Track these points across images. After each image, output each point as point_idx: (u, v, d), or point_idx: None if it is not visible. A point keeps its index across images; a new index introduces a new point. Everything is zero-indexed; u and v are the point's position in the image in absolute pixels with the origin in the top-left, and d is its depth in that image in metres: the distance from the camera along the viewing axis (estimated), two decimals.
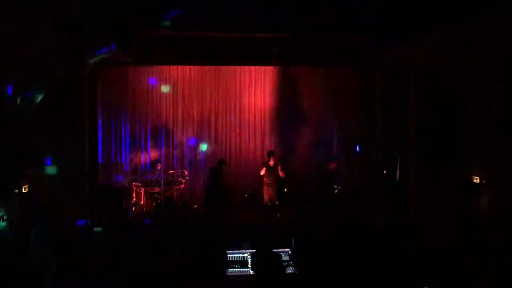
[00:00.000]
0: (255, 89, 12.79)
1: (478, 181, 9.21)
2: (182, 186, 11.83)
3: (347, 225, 9.62)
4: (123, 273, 7.10)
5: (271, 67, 12.40)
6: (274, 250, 6.68)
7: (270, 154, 10.88)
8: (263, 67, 12.50)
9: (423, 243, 8.93)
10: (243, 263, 7.11)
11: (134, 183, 11.65)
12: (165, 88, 12.44)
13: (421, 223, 9.79)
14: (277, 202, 10.86)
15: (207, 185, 11.62)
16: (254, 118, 12.86)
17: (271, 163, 10.69)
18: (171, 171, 12.01)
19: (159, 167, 11.88)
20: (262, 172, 10.76)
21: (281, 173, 10.73)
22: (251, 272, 6.89)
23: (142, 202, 11.46)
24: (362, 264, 7.56)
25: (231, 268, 7.09)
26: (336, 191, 11.51)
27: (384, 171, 11.58)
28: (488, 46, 8.01)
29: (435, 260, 8.19)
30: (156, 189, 11.45)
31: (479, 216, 9.16)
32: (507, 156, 8.37)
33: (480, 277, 7.69)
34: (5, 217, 7.93)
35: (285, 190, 11.93)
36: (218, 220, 10.34)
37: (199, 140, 12.58)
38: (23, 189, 9.01)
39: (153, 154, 12.55)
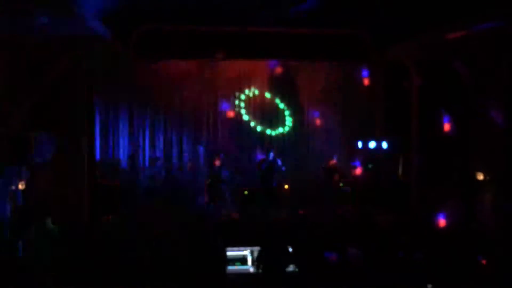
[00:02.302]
0: (255, 83, 12.67)
1: (482, 178, 9.10)
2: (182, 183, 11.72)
3: (349, 223, 9.55)
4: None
5: (272, 62, 12.30)
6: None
7: (269, 149, 10.78)
8: (264, 62, 12.40)
9: (425, 241, 8.85)
10: (243, 261, 7.04)
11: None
12: None
13: (423, 221, 9.71)
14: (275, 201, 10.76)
15: (209, 181, 11.55)
16: (254, 114, 12.73)
17: (271, 158, 10.57)
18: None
19: (158, 164, 11.77)
20: (262, 168, 10.65)
21: (282, 168, 10.62)
22: (251, 270, 6.81)
23: None
24: (364, 263, 7.48)
25: (231, 266, 7.02)
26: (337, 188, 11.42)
27: (378, 167, 11.56)
28: (492, 42, 7.91)
29: (438, 259, 8.10)
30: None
31: (482, 214, 9.07)
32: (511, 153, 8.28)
33: (483, 277, 7.61)
34: None
35: (286, 187, 11.84)
36: (219, 217, 10.25)
37: None
38: (20, 186, 8.91)
39: (152, 151, 12.43)
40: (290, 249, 7.13)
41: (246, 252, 7.03)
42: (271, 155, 10.60)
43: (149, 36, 9.91)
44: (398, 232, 9.25)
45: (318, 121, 12.73)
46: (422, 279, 7.10)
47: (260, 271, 6.44)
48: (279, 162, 10.62)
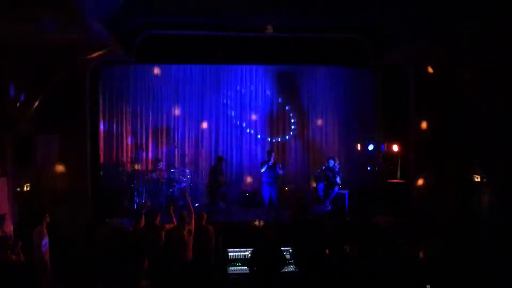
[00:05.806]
0: (256, 88, 12.81)
1: (479, 180, 9.20)
2: (184, 184, 11.84)
3: (348, 224, 9.65)
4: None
5: (272, 66, 12.43)
6: (275, 248, 6.71)
7: (270, 152, 10.87)
8: (264, 66, 12.53)
9: (423, 243, 8.95)
10: (244, 261, 7.13)
11: (135, 183, 11.65)
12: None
13: (421, 223, 9.80)
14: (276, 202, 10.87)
15: (209, 183, 11.66)
16: (255, 116, 12.85)
17: (271, 161, 10.67)
18: (172, 170, 12.02)
19: (160, 166, 11.89)
20: (262, 170, 10.75)
21: (280, 172, 10.71)
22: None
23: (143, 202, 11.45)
24: (363, 264, 7.58)
25: (232, 267, 7.11)
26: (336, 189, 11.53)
27: (376, 169, 11.65)
28: (488, 46, 7.99)
29: (436, 260, 8.20)
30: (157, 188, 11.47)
31: (480, 216, 9.16)
32: (508, 155, 8.36)
33: (480, 277, 7.71)
34: None
35: (286, 189, 11.94)
36: (220, 218, 10.35)
37: None
38: (25, 188, 9.03)
39: (154, 153, 12.55)
40: (290, 250, 7.22)
41: (247, 252, 7.12)
42: (272, 158, 10.67)
43: (151, 41, 10.02)
44: (397, 233, 9.38)
45: (318, 125, 12.89)
46: (422, 279, 7.19)
47: (253, 272, 6.51)
48: (278, 166, 10.70)
